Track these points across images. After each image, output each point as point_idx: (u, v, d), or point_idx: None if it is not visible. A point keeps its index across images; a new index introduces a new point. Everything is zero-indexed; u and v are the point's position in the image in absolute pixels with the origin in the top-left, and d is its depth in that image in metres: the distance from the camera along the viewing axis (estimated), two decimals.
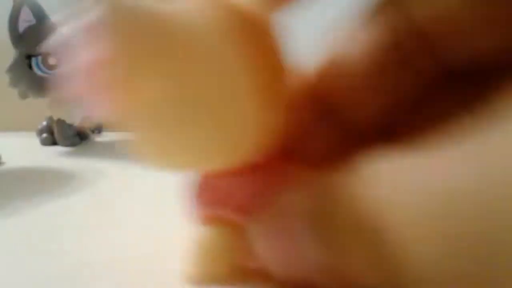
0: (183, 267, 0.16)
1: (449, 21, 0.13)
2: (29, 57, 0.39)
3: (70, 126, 0.43)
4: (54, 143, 0.44)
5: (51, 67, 0.39)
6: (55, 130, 0.44)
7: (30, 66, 0.39)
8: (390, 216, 0.11)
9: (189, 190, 0.15)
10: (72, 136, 0.44)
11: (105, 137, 0.48)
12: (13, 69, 0.39)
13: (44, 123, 0.45)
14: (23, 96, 0.40)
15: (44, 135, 0.44)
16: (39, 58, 0.39)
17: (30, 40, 0.39)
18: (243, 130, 0.12)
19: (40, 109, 0.44)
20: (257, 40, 0.13)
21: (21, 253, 0.19)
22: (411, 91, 0.14)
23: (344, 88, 0.14)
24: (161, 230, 0.22)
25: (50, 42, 0.12)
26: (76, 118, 0.43)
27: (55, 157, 0.39)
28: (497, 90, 0.11)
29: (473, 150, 0.10)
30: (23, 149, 0.43)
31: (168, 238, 0.21)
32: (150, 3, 0.12)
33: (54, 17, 0.40)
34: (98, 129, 0.44)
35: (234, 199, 0.14)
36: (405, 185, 0.11)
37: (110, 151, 0.42)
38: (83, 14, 0.11)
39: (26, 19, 0.39)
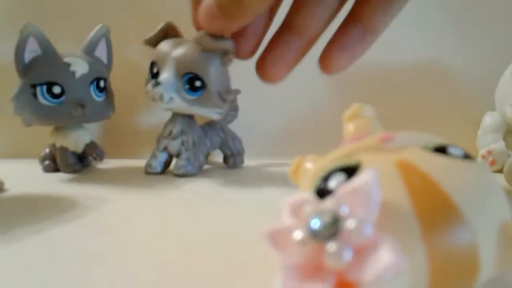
0: None
1: None
2: (34, 86, 0.39)
3: (72, 153, 0.44)
4: (56, 170, 0.45)
5: (55, 96, 0.40)
6: (57, 157, 0.44)
7: (35, 95, 0.39)
8: None
9: None
10: (74, 163, 0.44)
11: (107, 164, 0.49)
12: (18, 97, 0.40)
13: (47, 150, 0.45)
14: (27, 124, 0.41)
15: (47, 162, 0.45)
16: (44, 87, 0.39)
17: (35, 70, 0.40)
18: None
19: (43, 136, 0.45)
20: None
21: (23, 279, 0.20)
22: None
23: None
24: (163, 257, 0.22)
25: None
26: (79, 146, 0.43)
27: (57, 184, 0.40)
28: None
29: None
30: (26, 176, 0.44)
31: (170, 265, 0.21)
32: None
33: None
34: (100, 156, 0.45)
35: None
36: None
37: (112, 178, 0.42)
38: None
39: (32, 49, 0.40)
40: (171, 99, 0.38)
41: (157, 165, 0.43)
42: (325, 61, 0.32)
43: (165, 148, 0.43)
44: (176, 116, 0.43)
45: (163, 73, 0.38)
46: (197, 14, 0.35)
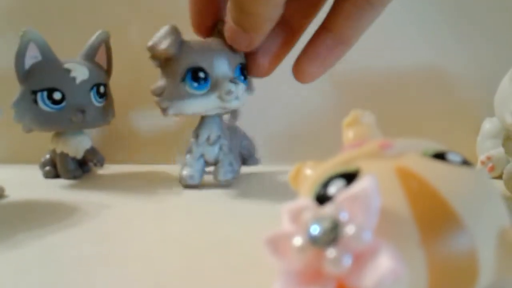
0: None
1: None
2: (34, 92, 0.40)
3: (72, 159, 0.44)
4: (56, 176, 0.45)
5: (56, 102, 0.40)
6: (58, 163, 0.44)
7: (35, 101, 0.40)
8: None
9: None
10: (74, 169, 0.44)
11: (107, 169, 0.49)
12: (18, 103, 0.40)
13: (47, 156, 0.46)
14: (28, 130, 0.41)
15: (47, 168, 0.45)
16: (45, 93, 0.39)
17: (36, 76, 0.40)
18: None
19: (43, 142, 0.45)
20: None
21: (23, 285, 0.20)
22: None
23: None
24: (163, 263, 0.22)
25: None
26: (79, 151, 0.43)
27: (58, 190, 0.40)
28: None
29: None
30: (26, 182, 0.44)
31: (170, 271, 0.21)
32: None
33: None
34: (100, 162, 0.45)
35: None
36: None
37: (112, 183, 0.42)
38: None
39: (32, 55, 0.40)
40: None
41: (197, 175, 0.40)
42: (297, 69, 0.33)
43: (201, 156, 0.40)
44: (209, 119, 0.40)
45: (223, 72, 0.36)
46: (195, 17, 0.35)
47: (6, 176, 0.47)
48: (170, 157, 0.52)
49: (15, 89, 0.40)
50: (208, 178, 0.44)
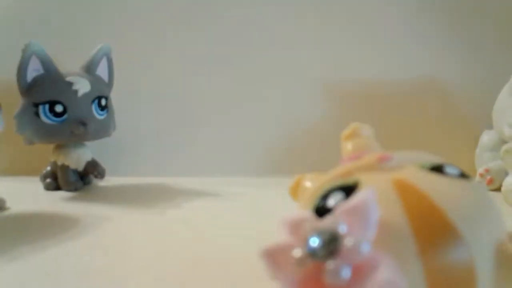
0: None
1: None
2: (36, 105, 0.40)
3: (73, 171, 0.44)
4: (57, 188, 0.45)
5: (57, 115, 0.40)
6: (59, 176, 0.44)
7: (37, 114, 0.40)
8: None
9: None
10: (75, 181, 0.44)
11: (108, 182, 0.49)
12: (20, 116, 0.40)
13: (48, 168, 0.46)
14: (29, 142, 0.41)
15: (48, 180, 0.45)
16: (46, 106, 0.40)
17: (38, 89, 0.40)
18: None
19: (44, 154, 0.45)
20: None
21: None
22: None
23: None
24: (163, 273, 0.22)
25: None
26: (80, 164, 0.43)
27: (59, 202, 0.40)
28: None
29: None
30: (27, 194, 0.44)
31: (170, 281, 0.21)
32: None
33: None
34: (101, 174, 0.45)
35: None
36: None
37: (113, 195, 0.42)
38: None
39: (34, 68, 0.40)
40: None
41: None
42: None
43: None
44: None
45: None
46: None
47: (7, 188, 0.47)
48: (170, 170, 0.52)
49: (16, 101, 0.41)
50: (204, 188, 0.44)
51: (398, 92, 0.53)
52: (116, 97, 0.46)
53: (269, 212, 0.35)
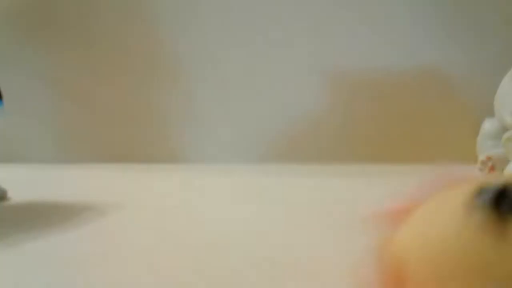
0: None
1: None
2: None
3: None
4: None
5: None
6: None
7: None
8: None
9: None
10: None
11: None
12: None
13: None
14: None
15: None
16: None
17: None
18: None
19: None
20: None
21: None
22: None
23: None
24: (162, 261, 0.22)
25: None
26: None
27: None
28: None
29: None
30: None
31: (169, 269, 0.21)
32: None
33: None
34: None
35: None
36: None
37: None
38: None
39: None
40: None
41: None
42: None
43: None
44: None
45: None
46: None
47: None
48: None
49: None
50: (213, 177, 0.44)
51: (400, 81, 0.53)
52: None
53: (271, 201, 0.35)
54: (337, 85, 0.54)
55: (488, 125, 0.46)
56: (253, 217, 0.30)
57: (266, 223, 0.29)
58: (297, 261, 0.22)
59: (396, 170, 0.46)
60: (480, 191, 0.13)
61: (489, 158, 0.43)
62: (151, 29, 0.54)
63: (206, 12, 0.54)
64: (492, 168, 0.43)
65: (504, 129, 0.43)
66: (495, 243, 0.12)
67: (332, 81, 0.53)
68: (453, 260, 0.12)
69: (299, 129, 0.54)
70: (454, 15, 0.53)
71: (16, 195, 0.37)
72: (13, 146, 0.55)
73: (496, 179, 0.13)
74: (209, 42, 0.54)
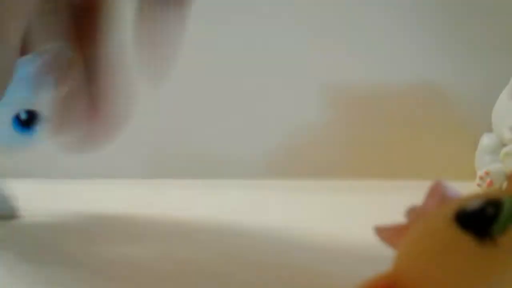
0: None
1: None
2: None
3: None
4: None
5: None
6: None
7: None
8: None
9: None
10: None
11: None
12: None
13: None
14: None
15: None
16: None
17: None
18: None
19: None
20: None
21: None
22: None
23: None
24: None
25: None
26: None
27: None
28: None
29: None
30: None
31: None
32: None
33: None
34: None
35: None
36: None
37: None
38: None
39: None
40: None
41: None
42: None
43: None
44: None
45: None
46: None
47: None
48: None
49: None
50: (209, 192, 0.44)
51: (396, 95, 0.53)
52: None
53: (271, 216, 0.35)
54: (336, 99, 0.54)
55: (486, 140, 0.47)
56: (255, 233, 0.30)
57: (269, 239, 0.28)
58: (299, 278, 0.21)
59: (395, 186, 0.45)
60: (460, 212, 0.13)
61: (487, 173, 0.43)
62: None
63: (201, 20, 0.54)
64: (491, 183, 0.43)
65: (503, 144, 0.43)
66: (481, 252, 0.12)
67: (331, 94, 0.53)
68: (440, 270, 0.12)
69: (297, 143, 0.54)
70: (451, 31, 0.53)
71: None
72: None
73: (477, 197, 0.13)
74: (203, 52, 0.54)
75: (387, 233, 0.15)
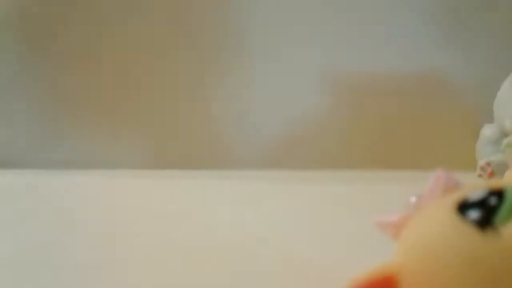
0: None
1: None
2: None
3: None
4: None
5: None
6: None
7: None
8: None
9: None
10: None
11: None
12: None
13: None
14: None
15: None
16: None
17: None
18: None
19: None
20: None
21: None
22: None
23: None
24: (163, 268, 0.22)
25: None
26: None
27: None
28: None
29: None
30: None
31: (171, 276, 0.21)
32: None
33: None
34: None
35: None
36: None
37: None
38: None
39: None
40: None
41: None
42: None
43: None
44: None
45: None
46: None
47: None
48: None
49: None
50: (208, 183, 0.44)
51: (398, 85, 0.53)
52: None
53: (273, 204, 0.35)
54: (338, 88, 0.53)
55: (487, 131, 0.46)
56: (254, 224, 0.30)
57: (267, 230, 0.28)
58: (297, 270, 0.21)
59: (395, 176, 0.45)
60: (462, 202, 0.13)
61: (488, 164, 0.43)
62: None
63: (199, 12, 0.54)
64: (492, 174, 0.43)
65: (504, 134, 0.43)
66: (484, 242, 0.11)
67: (333, 84, 0.53)
68: (442, 261, 0.12)
69: (298, 133, 0.54)
70: (454, 20, 0.53)
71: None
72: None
73: (479, 187, 0.13)
74: (203, 45, 0.54)
75: (388, 224, 0.15)
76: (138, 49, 0.54)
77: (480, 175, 0.43)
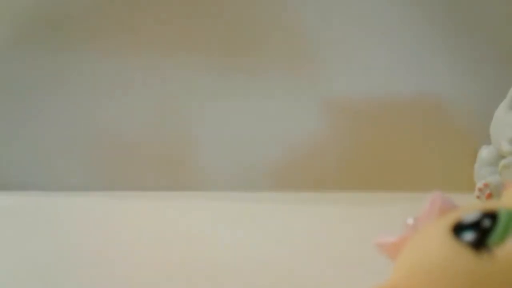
0: None
1: None
2: None
3: None
4: None
5: None
6: None
7: None
8: None
9: None
10: None
11: None
12: None
13: None
14: None
15: None
16: None
17: None
18: None
19: None
20: None
21: None
22: None
23: None
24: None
25: None
26: None
27: None
28: None
29: None
30: None
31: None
32: None
33: None
34: None
35: None
36: None
37: None
38: None
39: None
40: None
41: None
42: None
43: None
44: None
45: None
46: None
47: None
48: None
49: None
50: (209, 205, 0.44)
51: (395, 107, 0.53)
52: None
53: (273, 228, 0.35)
54: (335, 111, 0.54)
55: (485, 153, 0.47)
56: (253, 245, 0.30)
57: (267, 251, 0.29)
58: None
59: (393, 197, 0.46)
60: (457, 224, 0.13)
61: (486, 185, 0.43)
62: None
63: (196, 24, 0.54)
64: (490, 195, 0.43)
65: (501, 156, 0.44)
66: (478, 263, 0.12)
67: (330, 107, 0.53)
68: (437, 282, 0.12)
69: (297, 156, 0.54)
70: (450, 43, 0.53)
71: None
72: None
73: (474, 209, 0.13)
74: (200, 60, 0.54)
75: (387, 246, 0.15)
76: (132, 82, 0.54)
77: (478, 197, 0.44)
